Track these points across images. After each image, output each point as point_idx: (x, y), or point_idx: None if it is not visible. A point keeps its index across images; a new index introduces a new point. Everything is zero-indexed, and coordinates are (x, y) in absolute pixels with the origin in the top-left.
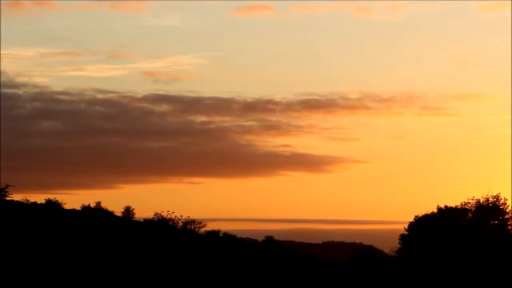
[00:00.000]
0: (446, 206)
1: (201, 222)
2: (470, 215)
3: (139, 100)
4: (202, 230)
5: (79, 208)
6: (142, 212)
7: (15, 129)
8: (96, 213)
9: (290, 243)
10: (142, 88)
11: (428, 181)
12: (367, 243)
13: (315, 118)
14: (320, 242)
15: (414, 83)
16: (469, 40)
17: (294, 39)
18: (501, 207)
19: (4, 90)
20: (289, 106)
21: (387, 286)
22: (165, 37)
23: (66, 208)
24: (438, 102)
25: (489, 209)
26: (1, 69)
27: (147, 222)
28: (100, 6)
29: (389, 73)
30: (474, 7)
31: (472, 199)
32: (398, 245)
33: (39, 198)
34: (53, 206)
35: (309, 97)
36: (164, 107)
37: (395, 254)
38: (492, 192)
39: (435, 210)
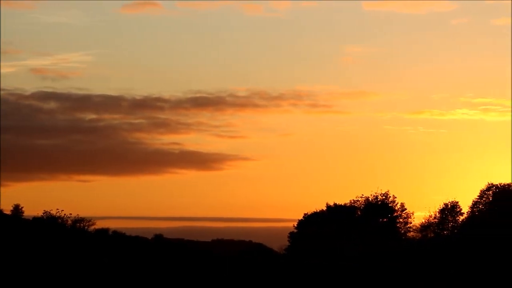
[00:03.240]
0: (335, 204)
1: (90, 220)
2: (359, 212)
3: (27, 97)
4: (92, 228)
5: None
6: (31, 210)
7: None
8: None
9: (180, 241)
10: (30, 86)
11: (317, 178)
12: (257, 241)
13: (204, 116)
14: (210, 240)
15: (302, 80)
16: (356, 38)
17: (182, 36)
18: (390, 205)
19: None
20: (178, 104)
21: (274, 280)
22: (53, 34)
23: None
24: (326, 99)
25: (378, 207)
26: None
27: (36, 220)
28: None
29: (277, 70)
30: (362, 4)
31: (361, 197)
32: (287, 243)
33: None
34: None
35: (198, 95)
36: (52, 105)
37: (284, 251)
38: (381, 189)
39: (324, 208)
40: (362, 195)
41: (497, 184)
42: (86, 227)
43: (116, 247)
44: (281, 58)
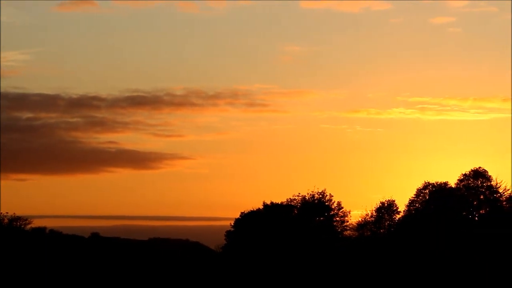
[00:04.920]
0: (272, 203)
1: (27, 219)
2: (296, 211)
3: None
4: (28, 227)
5: None
6: None
7: None
8: None
9: (116, 240)
10: None
11: (254, 177)
12: (194, 240)
13: (141, 115)
14: (147, 238)
15: (239, 79)
16: (294, 37)
17: (118, 34)
18: (326, 204)
19: None
20: (115, 103)
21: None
22: None
23: None
24: (263, 99)
25: (315, 206)
26: None
27: None
28: None
29: (214, 69)
30: (300, 3)
31: (297, 196)
32: (224, 242)
33: None
34: None
35: (135, 94)
36: None
37: (221, 250)
38: (317, 188)
39: (261, 207)
40: (299, 194)
41: (433, 183)
42: (22, 226)
43: (53, 245)
44: (218, 57)
